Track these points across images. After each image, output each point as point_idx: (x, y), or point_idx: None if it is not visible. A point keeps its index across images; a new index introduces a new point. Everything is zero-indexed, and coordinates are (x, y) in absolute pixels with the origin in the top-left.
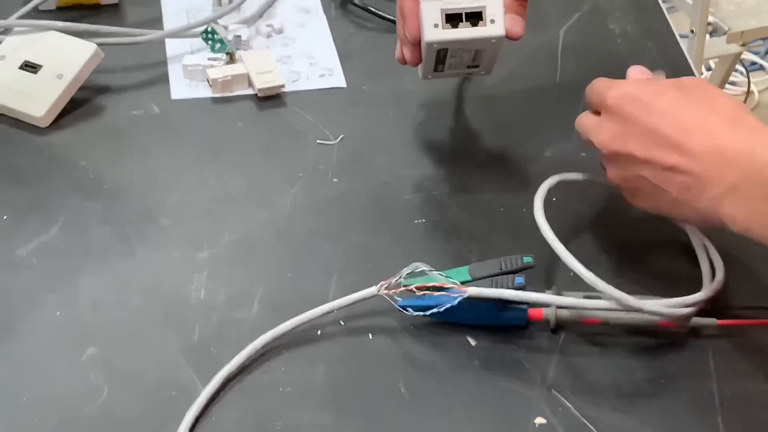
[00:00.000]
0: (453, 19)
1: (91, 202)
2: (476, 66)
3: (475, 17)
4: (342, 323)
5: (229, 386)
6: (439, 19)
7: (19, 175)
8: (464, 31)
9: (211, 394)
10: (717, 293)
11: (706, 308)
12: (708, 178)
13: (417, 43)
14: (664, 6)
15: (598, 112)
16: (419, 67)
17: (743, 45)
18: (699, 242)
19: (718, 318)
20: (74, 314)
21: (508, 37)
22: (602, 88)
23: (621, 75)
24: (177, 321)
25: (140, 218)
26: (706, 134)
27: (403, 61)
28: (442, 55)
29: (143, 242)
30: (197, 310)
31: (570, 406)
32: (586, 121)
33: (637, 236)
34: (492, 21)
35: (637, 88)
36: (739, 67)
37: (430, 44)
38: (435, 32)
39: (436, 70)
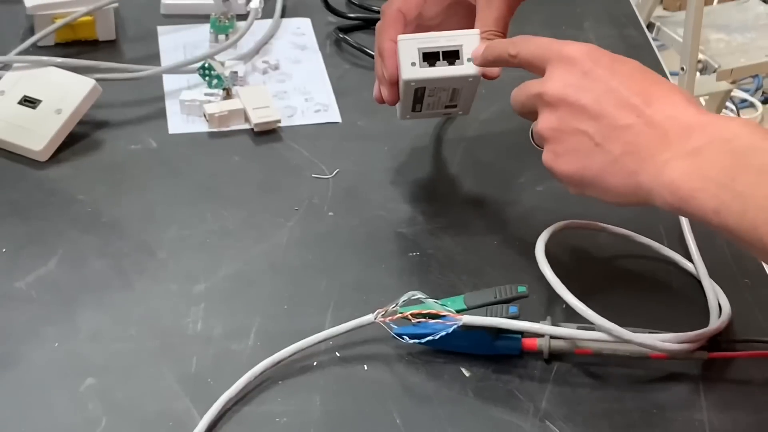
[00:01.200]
0: (430, 57)
1: (89, 235)
2: (454, 106)
3: (452, 56)
4: (338, 354)
5: (226, 417)
6: (416, 57)
7: (18, 209)
8: (441, 70)
9: (209, 423)
10: (717, 332)
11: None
12: (665, 141)
13: (395, 83)
14: (654, 44)
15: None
16: (397, 106)
17: (733, 82)
18: (708, 284)
19: (709, 350)
20: (73, 346)
21: (485, 76)
22: (555, 43)
23: None
24: (174, 353)
25: (137, 251)
26: (670, 105)
27: (381, 101)
28: (419, 94)
29: (141, 275)
30: (194, 342)
31: None
32: (530, 82)
33: (633, 270)
34: (469, 60)
35: (600, 49)
36: (729, 104)
37: (407, 82)
38: (412, 71)
39: (414, 109)
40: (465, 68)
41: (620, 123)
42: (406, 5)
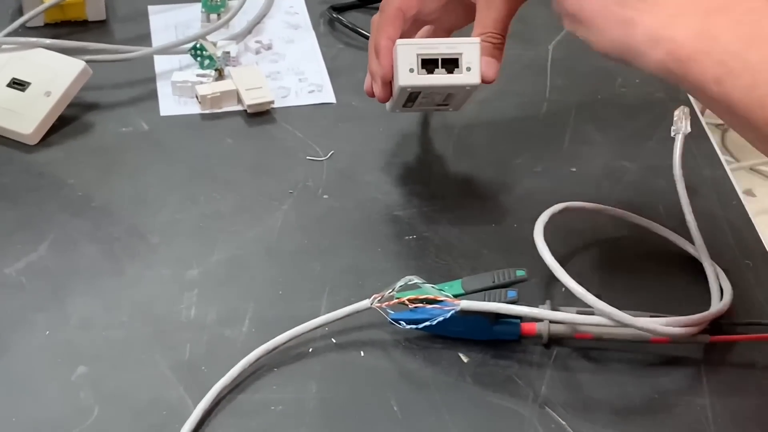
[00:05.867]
0: (429, 64)
1: (79, 219)
2: (446, 105)
3: (451, 63)
4: (333, 340)
5: (220, 405)
6: (414, 63)
7: (7, 194)
8: (439, 78)
9: (204, 412)
10: (718, 315)
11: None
12: None
13: (388, 82)
14: None
15: None
16: (388, 101)
17: None
18: (709, 265)
19: (711, 334)
20: (64, 333)
21: (481, 81)
22: None
23: (611, 90)
24: (167, 339)
25: (129, 236)
26: None
27: (372, 95)
28: (413, 95)
29: (132, 260)
30: (187, 329)
31: (563, 422)
32: None
33: (633, 252)
34: (468, 69)
35: None
36: None
37: (404, 88)
38: (410, 77)
39: (404, 105)
40: (464, 77)
41: None
42: (406, 3)
